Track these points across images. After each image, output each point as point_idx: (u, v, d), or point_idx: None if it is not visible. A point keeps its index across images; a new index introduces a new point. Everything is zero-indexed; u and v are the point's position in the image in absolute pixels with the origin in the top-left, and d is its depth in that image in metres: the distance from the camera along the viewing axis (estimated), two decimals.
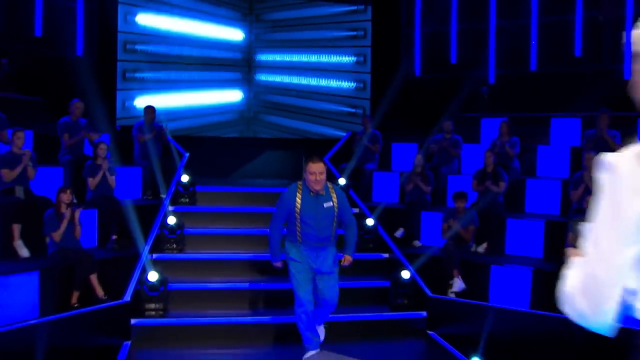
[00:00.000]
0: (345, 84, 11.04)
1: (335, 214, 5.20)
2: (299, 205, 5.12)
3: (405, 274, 6.70)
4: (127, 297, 6.02)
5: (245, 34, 10.88)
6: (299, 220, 5.14)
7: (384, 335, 6.46)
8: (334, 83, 11.05)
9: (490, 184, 7.70)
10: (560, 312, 1.44)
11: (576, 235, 6.40)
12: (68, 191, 6.22)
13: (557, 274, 5.61)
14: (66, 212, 6.19)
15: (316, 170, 5.07)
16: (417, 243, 7.88)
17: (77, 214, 6.25)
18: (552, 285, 6.14)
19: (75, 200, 7.43)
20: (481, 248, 7.51)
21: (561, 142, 8.86)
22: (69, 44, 9.55)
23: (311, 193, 5.15)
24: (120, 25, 9.92)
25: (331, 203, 5.18)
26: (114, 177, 7.43)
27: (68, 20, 9.54)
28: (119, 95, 9.99)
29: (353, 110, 11.00)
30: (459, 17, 10.63)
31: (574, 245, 5.60)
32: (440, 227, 7.52)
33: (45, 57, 9.13)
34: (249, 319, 6.26)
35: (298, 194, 5.16)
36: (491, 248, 7.51)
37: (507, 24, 10.26)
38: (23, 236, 6.33)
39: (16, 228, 6.29)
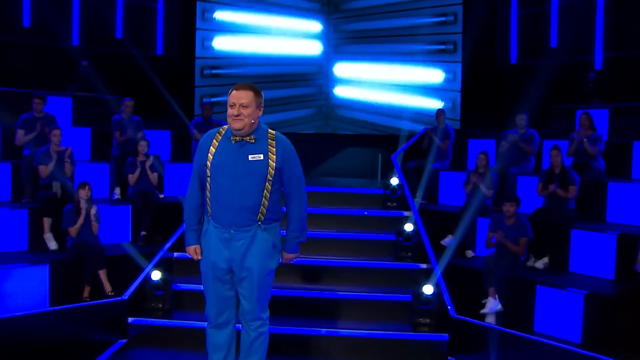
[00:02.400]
0: (433, 75, 10.23)
1: (270, 174, 3.47)
2: (210, 156, 3.51)
3: (428, 289, 5.93)
4: (126, 295, 6.04)
5: (323, 24, 10.55)
6: (209, 181, 3.54)
7: (402, 358, 5.79)
8: (420, 74, 10.29)
9: (556, 187, 6.57)
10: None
11: None
12: (87, 187, 6.40)
13: (623, 300, 4.47)
14: (84, 207, 6.38)
15: (236, 100, 3.43)
16: (469, 253, 7.01)
17: (94, 210, 6.42)
18: (611, 315, 5.02)
19: (119, 196, 7.77)
20: (541, 263, 6.45)
21: None
22: (150, 43, 9.97)
23: (232, 139, 3.50)
24: (199, 23, 10.14)
25: (261, 156, 3.46)
26: (155, 174, 7.57)
27: (149, 20, 9.97)
28: (197, 92, 10.22)
29: (442, 102, 10.16)
30: None
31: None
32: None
33: (125, 56, 9.59)
34: None
35: (215, 140, 3.55)
36: (553, 264, 6.42)
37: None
38: (54, 229, 6.68)
39: (47, 221, 6.65)
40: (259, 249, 3.59)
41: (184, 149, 8.74)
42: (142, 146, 7.53)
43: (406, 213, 7.41)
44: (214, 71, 10.29)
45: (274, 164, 3.49)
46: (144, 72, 9.28)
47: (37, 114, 7.43)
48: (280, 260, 3.81)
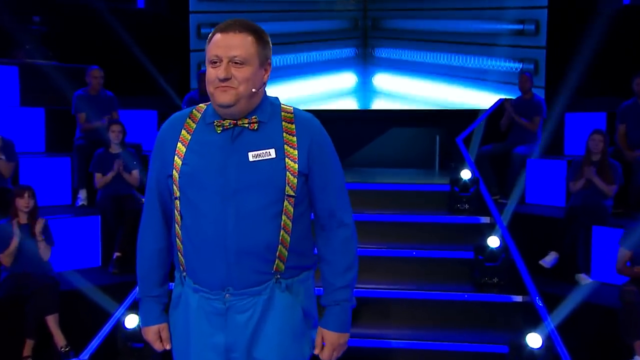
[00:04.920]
0: (507, 28, 8.80)
1: (291, 184, 2.16)
2: (179, 160, 2.19)
3: (534, 340, 4.52)
4: (87, 353, 4.72)
5: None
6: (177, 204, 2.21)
7: None
8: (488, 27, 8.90)
9: None
10: None
11: None
12: (26, 194, 5.06)
13: None
14: (24, 223, 5.06)
15: (224, 52, 2.09)
16: (583, 278, 5.57)
17: (39, 226, 5.08)
18: None
19: (84, 202, 6.55)
20: None
21: None
22: None
23: (217, 125, 2.17)
24: None
25: (272, 152, 2.15)
26: (135, 171, 6.27)
27: None
28: (193, 58, 9.10)
29: (519, 65, 8.74)
30: None
31: None
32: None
33: (93, 11, 8.29)
34: None
35: (185, 131, 2.22)
36: None
37: None
38: None
39: None
40: (280, 325, 2.19)
41: None
42: (115, 133, 6.28)
43: (484, 219, 6.01)
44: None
45: (297, 165, 2.18)
46: (121, 32, 8.04)
47: None
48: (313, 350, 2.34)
